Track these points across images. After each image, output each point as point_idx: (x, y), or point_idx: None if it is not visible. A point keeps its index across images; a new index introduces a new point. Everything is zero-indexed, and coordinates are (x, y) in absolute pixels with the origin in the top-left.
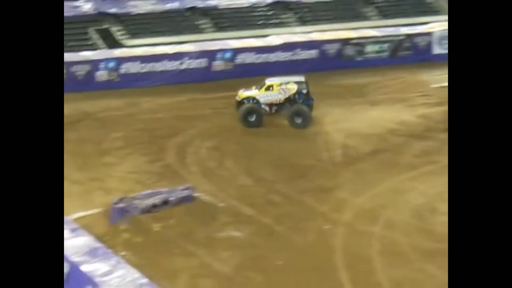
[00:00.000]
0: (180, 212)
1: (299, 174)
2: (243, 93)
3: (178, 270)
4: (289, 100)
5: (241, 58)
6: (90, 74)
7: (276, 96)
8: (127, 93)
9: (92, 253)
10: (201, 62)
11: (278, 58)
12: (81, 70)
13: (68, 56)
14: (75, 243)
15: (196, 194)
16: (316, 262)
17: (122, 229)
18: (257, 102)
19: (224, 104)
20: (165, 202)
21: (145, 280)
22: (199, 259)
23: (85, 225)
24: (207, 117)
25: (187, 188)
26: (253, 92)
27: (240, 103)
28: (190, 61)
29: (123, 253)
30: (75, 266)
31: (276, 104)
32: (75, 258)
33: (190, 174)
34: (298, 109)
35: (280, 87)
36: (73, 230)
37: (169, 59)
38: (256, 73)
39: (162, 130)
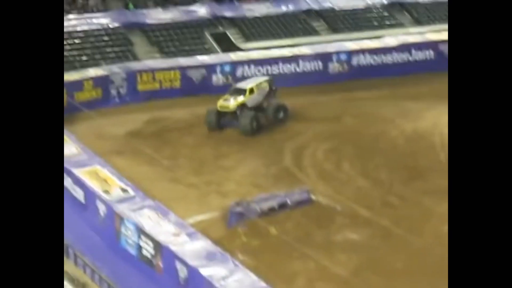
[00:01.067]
0: (297, 215)
1: (416, 175)
2: (228, 103)
3: (295, 273)
4: (265, 98)
5: (357, 60)
6: (206, 78)
7: (258, 97)
8: None
9: (210, 257)
10: (317, 65)
11: (394, 59)
12: (197, 74)
13: (184, 61)
14: (193, 248)
15: (313, 197)
16: (434, 264)
17: (239, 232)
18: (245, 107)
19: (341, 106)
20: (283, 205)
21: (262, 284)
22: (317, 262)
23: (203, 229)
24: (324, 119)
25: (304, 191)
26: (241, 98)
27: (231, 113)
28: (305, 63)
29: (240, 256)
30: (194, 270)
31: (258, 105)
32: (194, 262)
33: (307, 176)
34: (279, 104)
35: (259, 88)
36: (190, 235)
37: (285, 62)
38: (372, 74)
39: (278, 133)
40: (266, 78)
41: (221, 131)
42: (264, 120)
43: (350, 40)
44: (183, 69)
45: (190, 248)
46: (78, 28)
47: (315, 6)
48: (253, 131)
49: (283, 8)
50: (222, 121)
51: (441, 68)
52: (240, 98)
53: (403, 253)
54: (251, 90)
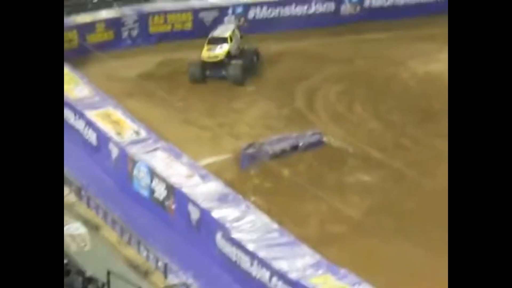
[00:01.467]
0: (309, 157)
1: (428, 117)
2: (215, 52)
3: (307, 215)
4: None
5: (369, 1)
6: (217, 20)
7: (235, 44)
8: (255, 39)
9: (222, 199)
10: (329, 6)
11: (406, 0)
12: (208, 16)
13: (196, 3)
14: (205, 190)
15: (325, 139)
16: (446, 207)
17: (251, 174)
18: (230, 55)
19: (352, 48)
20: (295, 147)
21: (275, 226)
22: (329, 204)
23: (215, 171)
24: (335, 61)
25: (316, 133)
26: (226, 47)
27: (220, 62)
28: (317, 5)
29: (253, 198)
30: (205, 212)
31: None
32: (206, 204)
33: (319, 118)
34: (254, 49)
35: (234, 36)
36: (203, 177)
37: (296, 4)
38: (384, 16)
39: (290, 75)
40: (233, 24)
41: (206, 83)
42: (249, 67)
43: None
44: (195, 11)
45: (202, 190)
46: None
47: None
48: (243, 80)
49: None
50: (208, 72)
51: None
52: (226, 47)
53: (415, 195)
54: (231, 38)
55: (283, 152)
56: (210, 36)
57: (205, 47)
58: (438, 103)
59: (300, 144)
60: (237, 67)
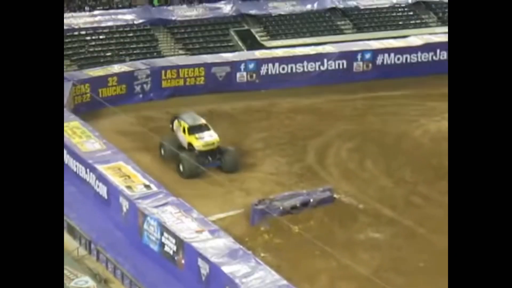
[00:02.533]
0: (319, 214)
1: (440, 175)
2: (211, 139)
3: (317, 271)
4: None
5: (381, 59)
6: (230, 75)
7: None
8: (267, 95)
9: (232, 255)
10: (341, 63)
11: (418, 58)
12: (221, 72)
13: (208, 57)
14: (215, 245)
15: (336, 196)
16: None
17: (262, 230)
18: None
19: (364, 105)
20: (305, 204)
21: (284, 282)
22: (339, 261)
23: (225, 226)
24: (347, 118)
25: (327, 190)
26: (213, 133)
27: (210, 151)
28: (330, 62)
29: (262, 254)
30: (215, 267)
31: None
32: (216, 259)
33: (330, 175)
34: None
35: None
36: (213, 232)
37: (309, 60)
38: (396, 74)
39: (302, 131)
40: (192, 112)
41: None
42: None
43: (375, 39)
44: (207, 66)
45: (212, 245)
46: (103, 24)
47: (340, 5)
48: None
49: (308, 6)
50: (206, 162)
51: None
52: (213, 133)
53: (426, 253)
54: (207, 126)
55: (294, 208)
56: (188, 125)
57: (190, 137)
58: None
59: (311, 200)
60: (233, 153)
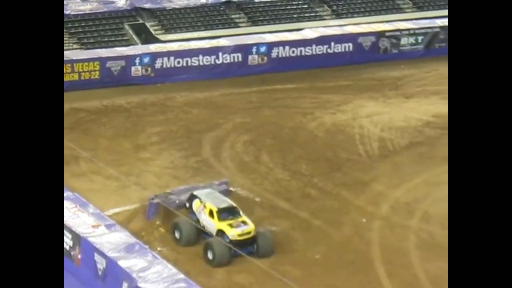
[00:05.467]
0: None
1: (335, 167)
2: (247, 228)
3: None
4: None
5: (276, 52)
6: (125, 69)
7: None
8: (163, 88)
9: (129, 249)
10: (236, 57)
11: (313, 51)
12: (116, 66)
13: (103, 52)
14: (112, 239)
15: (232, 189)
16: (352, 256)
17: (158, 224)
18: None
19: (260, 98)
20: None
21: (181, 276)
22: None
23: (122, 221)
24: (243, 112)
25: (223, 183)
26: (246, 218)
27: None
28: (225, 55)
29: (159, 248)
30: (112, 262)
31: None
32: (112, 254)
33: (226, 168)
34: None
35: None
36: (109, 226)
37: (204, 54)
38: (292, 67)
39: (197, 125)
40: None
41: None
42: None
43: (270, 32)
44: (102, 60)
45: (109, 239)
46: None
47: None
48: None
49: (203, 0)
50: (237, 251)
51: (359, 61)
52: (246, 218)
53: (322, 245)
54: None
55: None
56: (216, 208)
57: (222, 223)
58: (344, 153)
59: None
60: (268, 237)
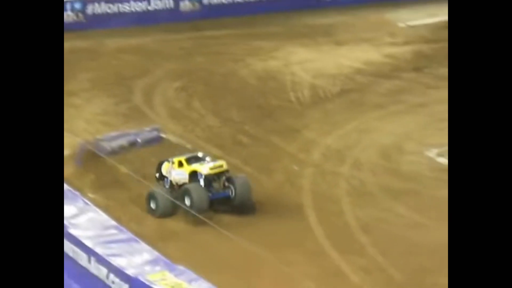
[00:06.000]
0: (147, 154)
1: (266, 114)
2: (219, 162)
3: (146, 212)
4: None
5: None
6: None
7: None
8: (94, 35)
9: None
10: (168, 3)
11: None
12: None
13: None
14: None
15: (163, 135)
16: (284, 202)
17: (89, 171)
18: None
19: (192, 44)
20: (133, 144)
21: (113, 222)
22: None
23: None
24: (174, 58)
25: (154, 130)
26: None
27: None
28: (156, 1)
29: (90, 195)
30: None
31: None
32: None
33: (157, 115)
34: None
35: None
36: None
37: (136, 0)
38: (224, 13)
39: (129, 71)
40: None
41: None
42: None
43: None
44: None
45: None
46: None
47: None
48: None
49: None
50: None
51: (290, 7)
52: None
53: (254, 191)
54: None
55: (121, 149)
56: (184, 157)
57: (193, 166)
58: (275, 100)
59: (138, 140)
60: (244, 181)
